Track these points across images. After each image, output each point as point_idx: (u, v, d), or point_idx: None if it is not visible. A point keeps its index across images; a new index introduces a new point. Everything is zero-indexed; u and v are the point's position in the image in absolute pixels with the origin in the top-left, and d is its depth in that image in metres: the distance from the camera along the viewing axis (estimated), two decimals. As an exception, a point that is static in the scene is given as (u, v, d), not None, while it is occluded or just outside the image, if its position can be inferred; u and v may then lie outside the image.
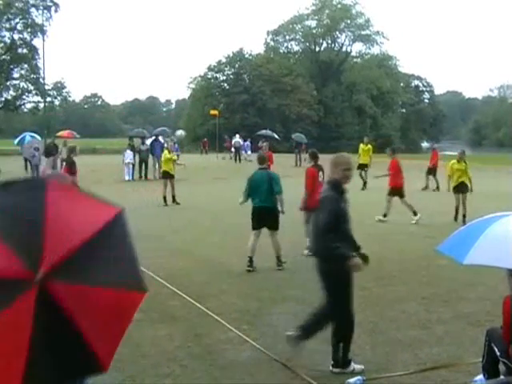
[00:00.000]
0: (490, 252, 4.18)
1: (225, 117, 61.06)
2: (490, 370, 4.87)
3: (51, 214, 2.10)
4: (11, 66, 54.66)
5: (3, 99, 54.92)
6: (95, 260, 2.10)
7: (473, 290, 8.25)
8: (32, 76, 54.03)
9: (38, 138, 28.00)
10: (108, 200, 2.33)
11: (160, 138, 27.95)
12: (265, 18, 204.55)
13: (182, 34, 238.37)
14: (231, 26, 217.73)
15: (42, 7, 51.97)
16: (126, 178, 25.70)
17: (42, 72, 50.14)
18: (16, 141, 29.61)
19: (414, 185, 21.19)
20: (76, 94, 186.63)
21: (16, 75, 55.47)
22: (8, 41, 53.51)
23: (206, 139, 51.03)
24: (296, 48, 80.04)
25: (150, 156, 26.23)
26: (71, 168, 12.05)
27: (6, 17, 52.04)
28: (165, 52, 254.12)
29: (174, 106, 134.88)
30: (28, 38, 53.76)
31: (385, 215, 14.48)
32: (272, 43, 79.15)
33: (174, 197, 17.76)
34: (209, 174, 28.54)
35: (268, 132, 40.36)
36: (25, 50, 54.09)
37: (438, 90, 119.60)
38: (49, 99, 56.73)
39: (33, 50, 53.31)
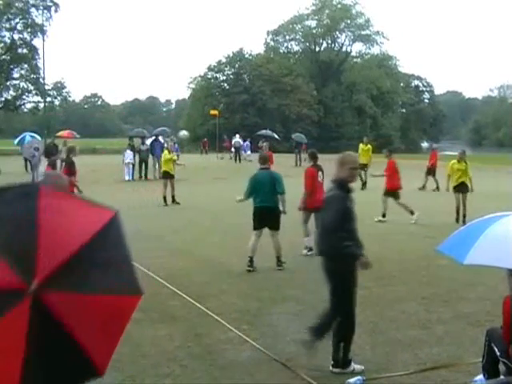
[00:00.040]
0: (490, 252, 4.18)
1: (225, 117, 61.09)
2: (490, 370, 4.87)
3: (44, 222, 2.08)
4: (11, 66, 54.66)
5: (3, 99, 54.93)
6: (90, 267, 2.09)
7: (473, 290, 8.26)
8: (32, 76, 54.04)
9: (38, 138, 27.98)
10: (102, 203, 2.31)
11: (160, 138, 27.95)
12: (265, 18, 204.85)
13: (182, 34, 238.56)
14: (231, 26, 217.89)
15: (42, 7, 52.00)
16: (126, 178, 25.71)
17: (42, 72, 50.22)
18: (16, 141, 29.62)
19: (413, 185, 21.23)
20: (76, 94, 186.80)
21: (16, 75, 55.52)
22: (8, 41, 53.53)
23: (205, 139, 51.04)
24: (296, 48, 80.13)
25: (150, 156, 26.24)
26: (70, 168, 12.00)
27: (6, 17, 52.05)
28: (165, 52, 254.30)
29: (173, 106, 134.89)
30: (28, 38, 53.79)
31: (384, 215, 14.51)
32: (272, 43, 79.17)
33: (173, 197, 17.76)
34: (209, 173, 28.54)
35: (268, 132, 40.38)
36: (25, 50, 54.10)
37: (438, 90, 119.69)
38: (49, 99, 56.79)
39: (33, 50, 53.32)
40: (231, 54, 70.59)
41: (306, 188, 10.72)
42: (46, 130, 43.76)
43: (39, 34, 51.48)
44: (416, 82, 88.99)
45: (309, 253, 10.61)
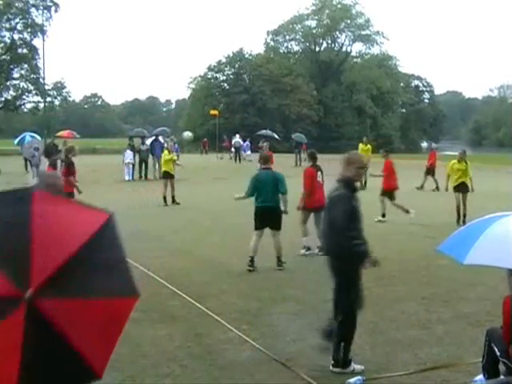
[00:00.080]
0: (490, 252, 4.18)
1: (225, 117, 61.11)
2: (490, 370, 4.87)
3: (38, 228, 2.07)
4: (11, 66, 54.68)
5: (3, 99, 54.95)
6: (84, 272, 2.08)
7: (473, 290, 8.26)
8: (32, 76, 54.07)
9: (38, 137, 28.01)
10: (96, 206, 2.30)
11: (160, 138, 27.95)
12: (265, 18, 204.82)
13: (182, 34, 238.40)
14: (231, 26, 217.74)
15: (42, 7, 52.05)
16: (126, 178, 25.71)
17: (42, 72, 50.28)
18: (16, 141, 29.63)
19: (412, 184, 21.25)
20: (76, 94, 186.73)
21: (16, 75, 55.55)
22: (8, 41, 53.56)
23: (205, 139, 51.07)
24: (296, 48, 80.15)
25: (150, 156, 26.24)
26: (69, 168, 11.91)
27: (6, 17, 52.09)
28: (165, 52, 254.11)
29: (173, 106, 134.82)
30: (28, 38, 53.83)
31: (383, 215, 14.52)
32: (272, 43, 79.18)
33: (173, 197, 17.75)
34: (209, 173, 28.54)
35: (268, 132, 40.37)
36: (25, 50, 54.13)
37: (438, 90, 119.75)
38: (49, 99, 56.83)
39: (33, 49, 53.36)
40: (231, 54, 70.61)
41: (304, 188, 10.73)
42: (46, 130, 43.79)
43: (39, 33, 51.53)
44: (416, 82, 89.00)
45: (307, 252, 10.62)
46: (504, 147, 76.13)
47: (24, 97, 56.04)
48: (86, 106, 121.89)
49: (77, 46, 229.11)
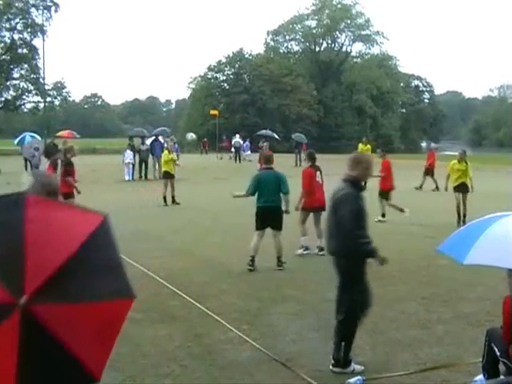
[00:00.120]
0: (490, 252, 4.18)
1: (225, 117, 61.13)
2: (490, 370, 4.87)
3: (31, 233, 2.06)
4: (11, 66, 54.68)
5: (3, 99, 54.95)
6: (79, 276, 2.07)
7: (473, 290, 8.25)
8: (32, 76, 54.07)
9: (38, 137, 28.02)
10: (90, 209, 2.30)
11: (160, 138, 27.95)
12: (265, 18, 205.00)
13: (182, 33, 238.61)
14: (231, 26, 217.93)
15: (42, 7, 52.04)
16: (126, 178, 25.72)
17: (42, 72, 50.30)
18: (16, 141, 29.63)
19: (411, 184, 21.24)
20: (76, 94, 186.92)
21: (16, 75, 55.56)
22: (8, 41, 53.56)
23: (205, 139, 51.08)
24: (296, 48, 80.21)
25: (150, 156, 26.24)
26: (68, 168, 11.84)
27: (6, 17, 52.09)
28: (165, 52, 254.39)
29: (173, 106, 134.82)
30: (28, 38, 53.83)
31: (383, 215, 14.52)
32: (272, 43, 79.22)
33: (173, 197, 17.75)
34: (209, 174, 28.53)
35: (268, 132, 40.37)
36: (25, 50, 54.13)
37: (438, 90, 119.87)
38: (49, 99, 56.84)
39: (33, 49, 53.36)
40: (231, 54, 70.63)
41: (303, 188, 10.73)
42: (46, 130, 43.80)
43: (39, 33, 51.54)
44: (416, 82, 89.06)
45: (304, 252, 10.61)
46: (504, 147, 76.15)
47: (24, 97, 56.07)
48: (85, 106, 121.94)
49: (77, 46, 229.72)
